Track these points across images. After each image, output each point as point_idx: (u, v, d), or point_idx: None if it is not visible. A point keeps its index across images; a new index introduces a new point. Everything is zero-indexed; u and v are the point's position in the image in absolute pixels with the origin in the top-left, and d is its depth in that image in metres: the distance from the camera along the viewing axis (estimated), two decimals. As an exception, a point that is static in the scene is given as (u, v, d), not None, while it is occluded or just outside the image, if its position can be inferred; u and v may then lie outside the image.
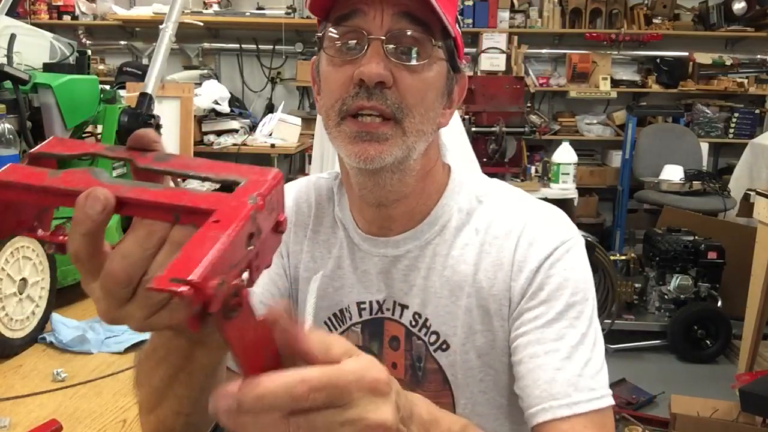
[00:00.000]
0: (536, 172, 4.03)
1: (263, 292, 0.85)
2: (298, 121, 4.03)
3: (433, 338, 0.82)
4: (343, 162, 0.81)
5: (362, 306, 0.86)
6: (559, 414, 0.71)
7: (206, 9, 4.87)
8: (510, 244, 0.79)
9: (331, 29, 0.75)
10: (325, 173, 0.94)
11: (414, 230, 0.83)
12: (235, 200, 0.39)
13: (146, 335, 1.10)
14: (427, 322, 0.82)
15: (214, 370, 0.60)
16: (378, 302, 0.85)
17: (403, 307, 0.84)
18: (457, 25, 0.78)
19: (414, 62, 0.73)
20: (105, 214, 0.41)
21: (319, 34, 0.77)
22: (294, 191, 0.93)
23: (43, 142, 0.47)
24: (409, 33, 0.73)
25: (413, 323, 0.83)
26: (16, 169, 0.44)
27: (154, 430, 0.68)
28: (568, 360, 0.73)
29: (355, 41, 0.73)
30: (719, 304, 3.49)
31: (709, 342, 3.39)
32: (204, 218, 0.38)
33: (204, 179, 0.43)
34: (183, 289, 0.33)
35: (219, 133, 3.86)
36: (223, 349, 0.58)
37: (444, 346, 0.82)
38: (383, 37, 0.72)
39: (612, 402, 0.74)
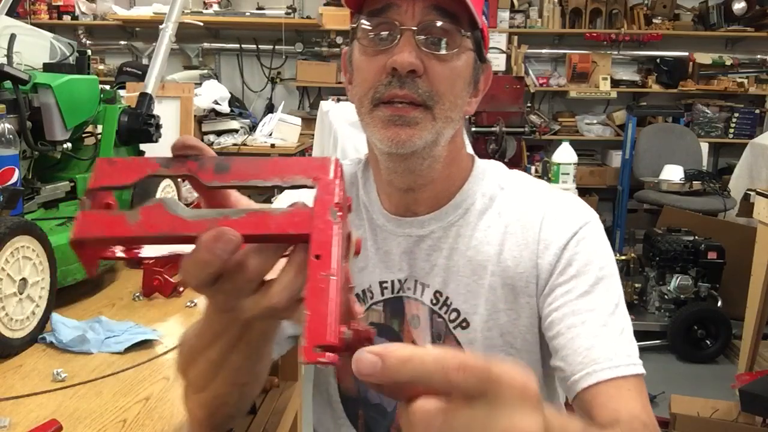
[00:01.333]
0: (536, 172, 4.03)
1: None
2: (298, 121, 4.02)
3: (453, 315, 0.85)
4: (373, 148, 0.85)
5: (384, 285, 0.88)
6: (603, 377, 0.73)
7: (206, 9, 4.87)
8: (534, 225, 0.83)
9: (364, 21, 0.78)
10: (347, 160, 0.97)
11: (438, 211, 0.86)
12: (320, 221, 0.41)
13: (144, 335, 1.11)
14: (447, 300, 0.85)
15: (271, 334, 0.61)
16: (399, 281, 0.87)
17: (424, 285, 0.86)
18: (483, 17, 0.81)
19: (444, 51, 0.77)
20: (233, 253, 0.42)
21: (352, 26, 0.81)
22: None
23: (94, 169, 0.45)
24: (439, 24, 0.76)
25: (434, 301, 0.86)
26: (91, 220, 0.43)
27: (208, 405, 0.68)
28: (605, 327, 0.76)
29: (387, 32, 0.77)
30: (719, 304, 3.48)
31: (709, 342, 3.38)
32: (298, 241, 0.42)
33: (272, 188, 0.45)
34: (327, 358, 0.38)
35: (219, 133, 3.86)
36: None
37: (464, 324, 0.84)
38: (414, 28, 0.75)
39: (644, 372, 0.77)
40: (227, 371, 0.62)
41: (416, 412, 0.35)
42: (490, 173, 0.90)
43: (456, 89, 0.78)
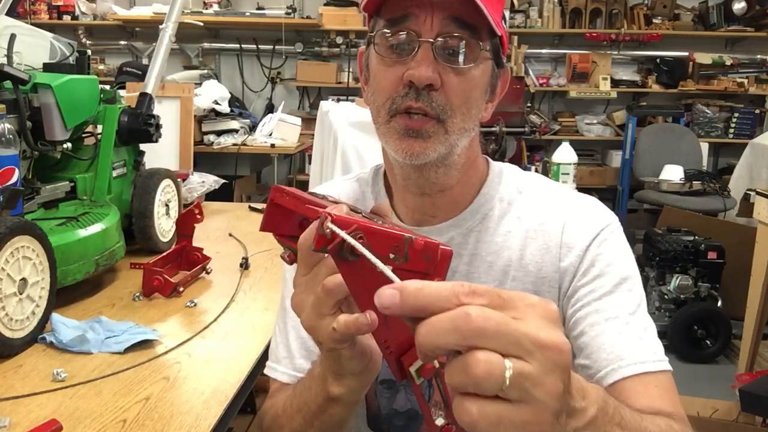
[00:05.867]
0: (536, 172, 4.03)
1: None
2: (298, 121, 4.02)
3: None
4: (388, 155, 0.85)
5: None
6: (629, 372, 0.74)
7: (206, 9, 4.87)
8: (556, 229, 0.83)
9: (382, 30, 0.78)
10: (349, 176, 0.97)
11: (456, 218, 0.86)
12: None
13: (144, 335, 1.11)
14: None
15: (342, 423, 0.70)
16: None
17: None
18: (503, 22, 0.80)
19: (461, 65, 0.76)
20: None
21: (370, 32, 0.81)
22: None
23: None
24: (457, 36, 0.76)
25: None
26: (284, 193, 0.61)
27: None
28: (628, 326, 0.77)
29: (405, 43, 0.76)
30: (719, 304, 3.48)
31: (709, 342, 3.38)
32: None
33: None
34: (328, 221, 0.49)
35: (219, 133, 3.85)
36: (350, 408, 0.68)
37: None
38: (432, 40, 0.75)
39: (671, 368, 0.77)
40: None
41: (462, 313, 0.39)
42: (506, 177, 0.89)
43: (471, 101, 0.78)
